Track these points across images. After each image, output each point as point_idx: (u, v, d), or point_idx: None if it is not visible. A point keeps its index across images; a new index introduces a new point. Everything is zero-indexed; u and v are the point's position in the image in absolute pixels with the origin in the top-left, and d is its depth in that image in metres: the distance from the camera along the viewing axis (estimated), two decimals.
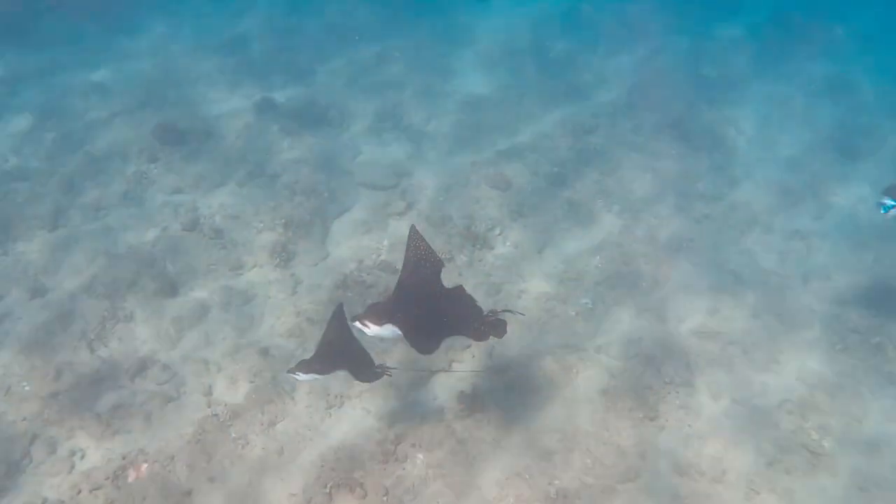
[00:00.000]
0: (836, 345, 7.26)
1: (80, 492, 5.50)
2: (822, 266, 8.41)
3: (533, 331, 7.14)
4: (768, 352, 7.11)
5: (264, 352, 6.76)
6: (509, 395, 6.37)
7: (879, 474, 5.98)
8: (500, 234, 8.48)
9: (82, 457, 5.85)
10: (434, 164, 9.76)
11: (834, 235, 8.93)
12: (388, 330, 5.03)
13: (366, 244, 8.14)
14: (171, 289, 7.52)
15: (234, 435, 5.98)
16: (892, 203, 6.57)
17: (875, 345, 7.22)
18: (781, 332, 7.39)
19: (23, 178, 8.92)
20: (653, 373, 6.72)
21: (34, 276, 7.56)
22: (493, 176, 9.36)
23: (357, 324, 5.07)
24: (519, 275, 7.93)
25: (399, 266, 5.56)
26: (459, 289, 5.39)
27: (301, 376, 5.11)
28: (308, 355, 5.34)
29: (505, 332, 5.16)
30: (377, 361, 5.32)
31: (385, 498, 5.57)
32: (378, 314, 5.05)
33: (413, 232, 5.39)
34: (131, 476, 5.59)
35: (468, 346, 6.76)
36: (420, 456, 5.83)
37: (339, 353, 5.10)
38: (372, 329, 5.05)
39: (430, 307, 5.15)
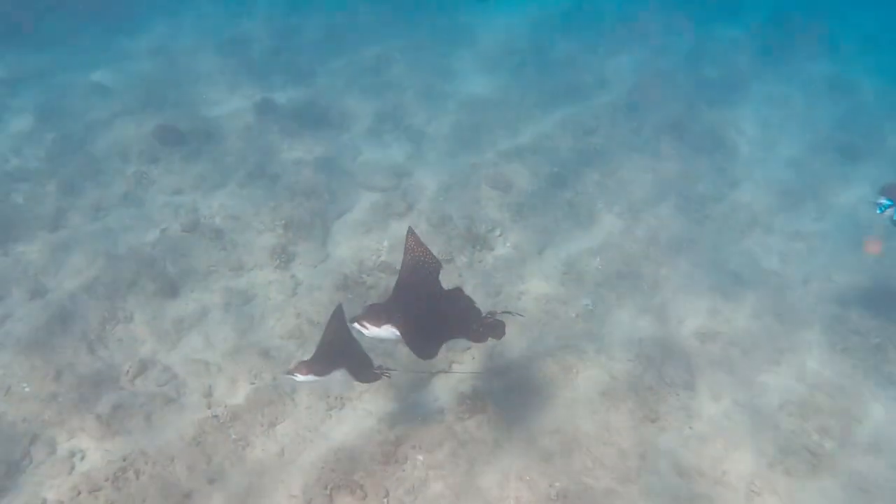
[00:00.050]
0: (836, 345, 7.27)
1: (79, 493, 5.48)
2: (823, 267, 8.42)
3: (533, 332, 7.14)
4: (769, 353, 7.12)
5: (264, 353, 6.76)
6: (510, 396, 6.37)
7: (880, 475, 5.98)
8: (500, 235, 8.48)
9: (82, 458, 5.84)
10: (434, 164, 9.76)
11: (834, 236, 8.94)
12: (387, 331, 5.02)
13: (366, 245, 8.14)
14: (171, 290, 7.51)
15: (234, 436, 5.97)
16: (889, 202, 6.58)
17: (875, 345, 7.23)
18: (782, 332, 7.39)
19: (23, 179, 8.91)
20: (653, 374, 6.72)
21: (34, 276, 7.55)
22: (494, 177, 9.36)
23: (356, 325, 5.06)
24: (519, 276, 7.93)
25: (399, 267, 5.55)
26: (458, 290, 5.39)
27: (299, 377, 5.10)
28: (308, 356, 5.33)
29: (504, 333, 5.15)
30: (378, 363, 5.32)
31: (385, 499, 5.56)
32: (377, 315, 5.04)
33: (410, 234, 5.39)
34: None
35: (468, 348, 6.75)
36: (420, 457, 5.83)
37: (338, 353, 5.09)
38: (371, 330, 5.04)
39: (429, 308, 5.13)
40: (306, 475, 5.72)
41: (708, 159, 10.54)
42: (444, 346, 4.99)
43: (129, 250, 7.89)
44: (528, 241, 8.43)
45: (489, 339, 5.12)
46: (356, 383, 5.51)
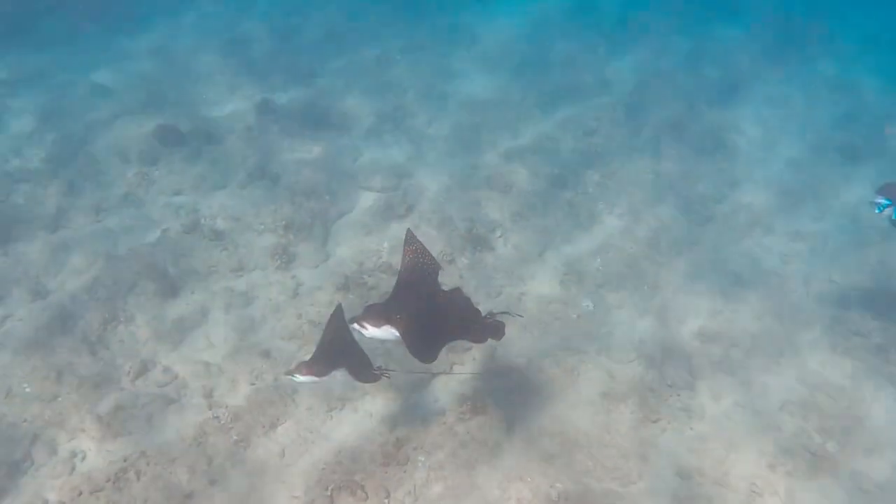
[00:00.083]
0: (837, 346, 7.26)
1: (80, 493, 5.47)
2: (824, 267, 8.42)
3: (534, 333, 7.14)
4: (770, 354, 7.12)
5: (265, 354, 6.75)
6: (510, 397, 6.36)
7: (881, 476, 5.97)
8: (501, 236, 8.48)
9: (83, 458, 5.84)
10: (435, 165, 9.76)
11: (835, 236, 8.94)
12: (387, 332, 5.03)
13: (367, 246, 8.13)
14: (171, 290, 7.51)
15: (235, 437, 5.97)
16: (887, 202, 6.57)
17: (877, 346, 7.22)
18: (783, 333, 7.39)
19: (24, 180, 8.90)
20: (654, 375, 6.72)
21: (35, 277, 7.54)
22: (494, 178, 9.36)
23: (355, 325, 5.06)
24: (520, 277, 7.93)
25: (399, 268, 5.56)
26: (457, 290, 5.39)
27: (299, 378, 5.10)
28: (309, 357, 5.33)
29: (503, 334, 5.16)
30: (379, 364, 5.33)
31: (386, 500, 5.56)
32: (376, 316, 5.05)
33: (409, 235, 5.41)
34: None
35: (469, 349, 6.75)
36: (421, 458, 5.82)
37: (338, 354, 5.09)
38: (370, 331, 5.05)
39: (429, 309, 5.14)
40: (307, 476, 5.72)
41: (708, 160, 10.54)
42: (444, 348, 5.00)
43: (130, 251, 7.88)
44: (529, 241, 8.43)
45: (489, 339, 5.14)
46: (356, 384, 5.52)
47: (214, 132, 10.05)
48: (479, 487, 5.65)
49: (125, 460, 5.72)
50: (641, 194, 9.45)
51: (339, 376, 5.04)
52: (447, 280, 7.42)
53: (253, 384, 6.48)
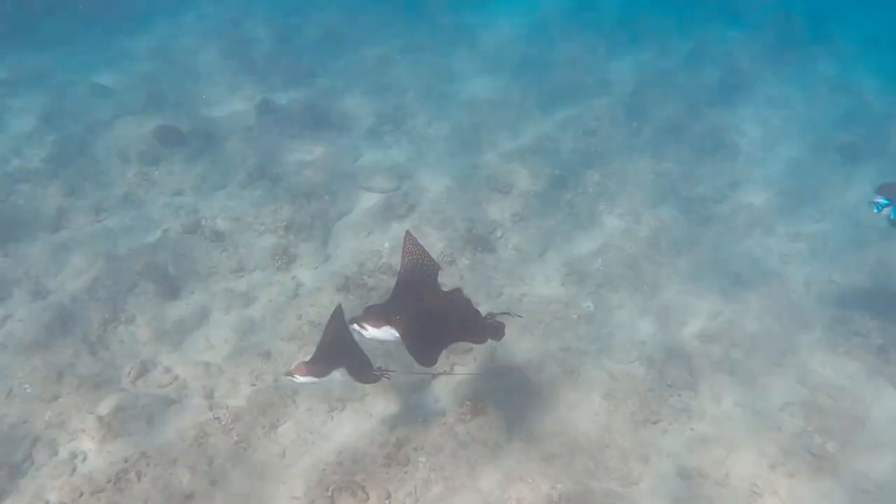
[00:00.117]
0: (838, 347, 7.26)
1: (81, 494, 5.47)
2: (824, 267, 8.41)
3: (535, 334, 7.14)
4: (770, 354, 7.11)
5: (266, 355, 6.75)
6: (511, 398, 6.36)
7: (882, 476, 5.97)
8: (501, 237, 8.49)
9: (84, 459, 5.83)
10: (435, 166, 9.75)
11: (835, 237, 8.94)
12: (386, 332, 5.04)
13: (367, 247, 8.13)
14: (172, 291, 7.51)
15: (235, 438, 5.96)
16: (886, 202, 6.57)
17: (877, 347, 7.22)
18: (783, 334, 7.39)
19: (24, 180, 8.90)
20: (655, 375, 6.71)
21: (35, 277, 7.54)
22: (495, 178, 9.36)
23: (355, 326, 5.07)
24: (521, 278, 7.93)
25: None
26: (457, 291, 5.41)
27: (299, 378, 5.10)
28: (308, 358, 5.34)
29: (503, 334, 5.17)
30: (379, 364, 5.33)
31: (387, 501, 5.55)
32: (376, 316, 5.07)
33: (408, 237, 5.42)
34: None
35: (470, 350, 6.75)
36: (422, 459, 5.82)
37: (337, 354, 5.09)
38: (370, 331, 5.06)
39: (428, 310, 5.15)
40: (308, 477, 5.71)
41: (709, 160, 10.55)
42: (444, 349, 5.01)
43: (130, 251, 7.88)
44: (530, 242, 8.43)
45: (489, 340, 5.14)
46: (357, 384, 5.52)
47: (215, 132, 10.05)
48: (479, 488, 5.65)
49: (126, 461, 5.71)
50: (642, 194, 9.45)
51: (339, 377, 5.04)
52: (448, 281, 7.42)
53: (253, 385, 6.48)
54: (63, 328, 6.88)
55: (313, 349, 5.34)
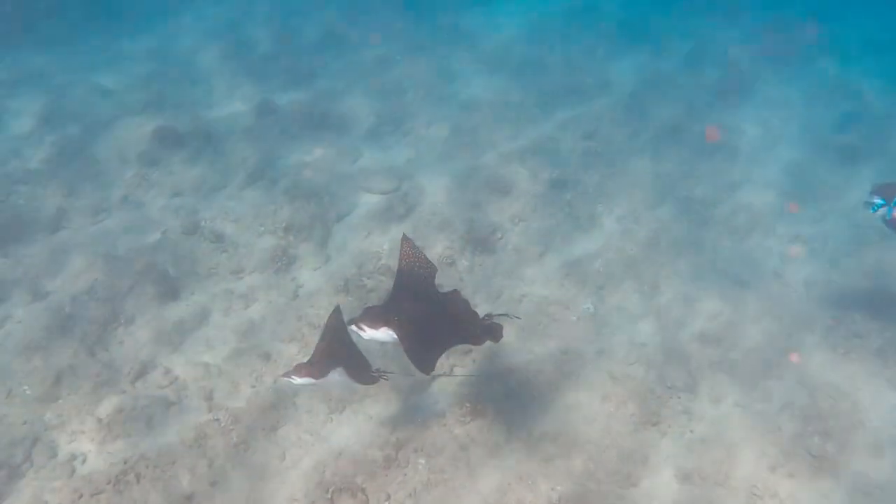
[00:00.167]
0: (837, 349, 7.26)
1: (81, 496, 5.46)
2: (824, 270, 8.41)
3: (534, 335, 7.14)
4: (770, 356, 7.11)
5: (265, 356, 6.75)
6: (511, 399, 6.36)
7: (883, 478, 5.97)
8: (501, 238, 8.49)
9: (83, 461, 5.82)
10: (435, 167, 9.75)
11: (835, 238, 8.94)
12: (385, 334, 5.06)
13: (367, 248, 8.13)
14: (171, 293, 7.50)
15: (235, 440, 5.95)
16: (882, 202, 6.58)
17: (877, 348, 7.22)
18: (783, 335, 7.39)
19: (23, 181, 8.87)
20: (654, 377, 6.72)
21: (35, 278, 7.52)
22: (494, 180, 9.35)
23: (353, 327, 5.09)
24: (520, 279, 7.93)
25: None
26: (455, 293, 5.43)
27: (297, 380, 5.10)
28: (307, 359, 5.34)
29: (501, 335, 5.20)
30: (380, 366, 5.34)
31: (387, 503, 5.56)
32: (374, 318, 5.09)
33: (405, 240, 5.44)
34: None
35: (469, 351, 6.74)
36: (422, 461, 5.82)
37: (335, 355, 5.09)
38: (368, 332, 5.08)
39: (426, 311, 5.17)
40: (308, 479, 5.71)
41: (708, 161, 10.55)
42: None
43: (130, 253, 7.86)
44: (529, 243, 8.43)
45: (487, 341, 5.16)
46: (356, 386, 5.52)
47: (214, 133, 10.04)
48: (479, 490, 5.66)
49: (125, 462, 5.70)
50: (641, 195, 9.46)
51: (338, 378, 5.03)
52: (448, 282, 7.42)
53: (253, 386, 6.47)
54: (62, 329, 6.87)
55: (312, 351, 5.34)
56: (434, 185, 9.23)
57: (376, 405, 6.32)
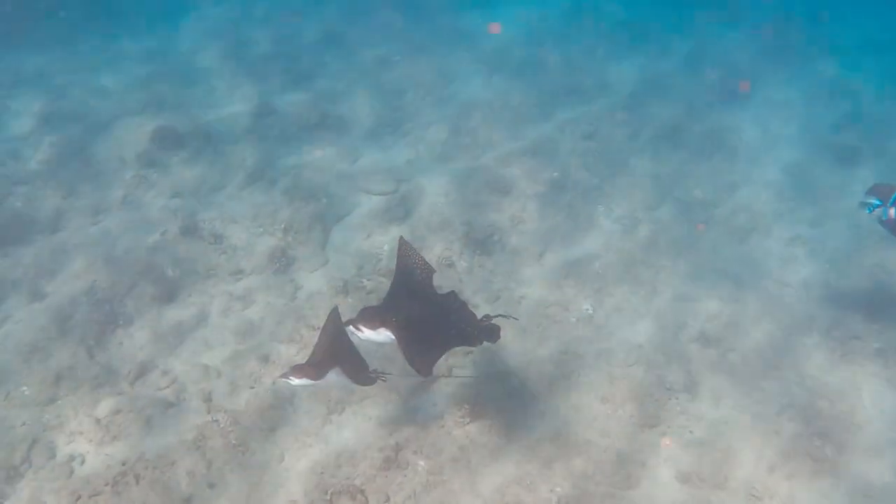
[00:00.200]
0: (836, 350, 7.26)
1: (79, 497, 5.46)
2: (822, 271, 8.41)
3: (533, 337, 7.14)
4: (768, 358, 7.11)
5: (264, 358, 6.74)
6: (510, 401, 6.36)
7: (881, 479, 5.97)
8: (500, 240, 8.48)
9: (82, 462, 5.81)
10: (434, 168, 9.74)
11: (834, 240, 8.93)
12: (382, 335, 5.07)
13: (366, 249, 8.12)
14: (170, 294, 7.50)
15: (234, 441, 5.94)
16: (877, 202, 6.59)
17: (876, 350, 7.22)
18: (782, 337, 7.39)
19: (22, 182, 8.86)
20: (653, 379, 6.71)
21: (33, 279, 7.52)
22: (494, 180, 9.35)
23: (350, 328, 5.10)
24: (519, 280, 7.93)
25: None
26: (452, 294, 5.44)
27: (294, 381, 5.10)
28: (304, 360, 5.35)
29: (499, 336, 5.22)
30: (380, 368, 5.35)
31: None
32: (371, 319, 5.11)
33: (402, 243, 5.46)
34: None
35: (468, 353, 6.74)
36: (421, 463, 5.82)
37: (333, 356, 5.09)
38: (365, 333, 5.10)
39: (423, 312, 5.19)
40: (306, 480, 5.71)
41: (707, 163, 10.56)
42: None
43: (128, 254, 7.85)
44: (528, 244, 8.43)
45: (485, 342, 5.17)
46: (354, 387, 5.53)
47: (213, 134, 10.03)
48: (478, 492, 5.65)
49: (124, 464, 5.70)
50: (640, 197, 9.46)
51: (335, 379, 5.03)
52: (446, 283, 7.41)
53: (252, 388, 6.46)
54: (61, 330, 6.87)
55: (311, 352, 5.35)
56: (433, 186, 9.22)
57: (375, 406, 6.32)
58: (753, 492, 5.81)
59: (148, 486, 5.54)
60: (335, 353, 5.09)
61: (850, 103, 12.37)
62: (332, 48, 13.01)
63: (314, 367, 5.07)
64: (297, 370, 5.13)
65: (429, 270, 5.44)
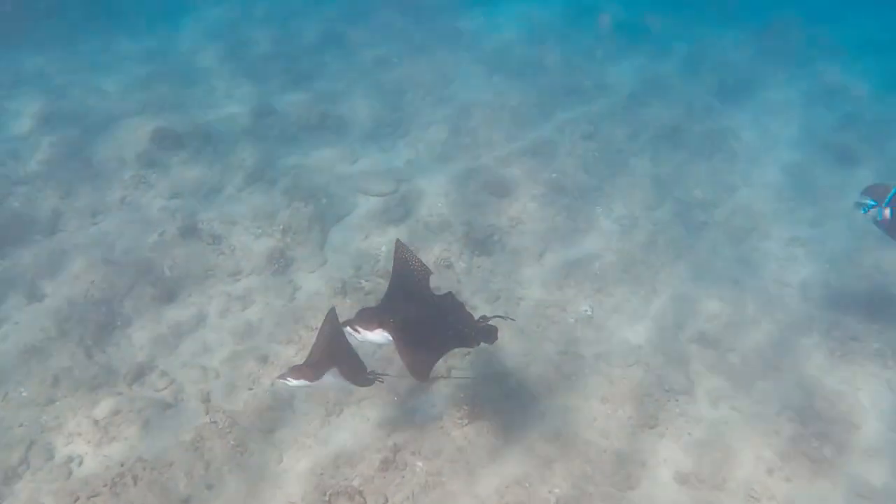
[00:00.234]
0: (835, 351, 7.26)
1: (77, 499, 5.45)
2: (821, 272, 8.40)
3: (532, 338, 7.13)
4: (767, 359, 7.11)
5: (263, 359, 6.73)
6: (508, 402, 6.35)
7: (880, 481, 5.97)
8: (499, 241, 8.47)
9: (80, 463, 5.81)
10: (433, 169, 9.74)
11: (832, 241, 8.93)
12: (379, 335, 5.07)
13: (364, 250, 8.11)
14: (168, 295, 7.49)
15: (232, 442, 5.94)
16: (872, 203, 6.60)
17: (875, 351, 7.21)
18: (780, 338, 7.38)
19: (21, 182, 8.85)
20: (652, 380, 6.71)
21: (32, 280, 7.51)
22: (493, 181, 9.34)
23: (347, 329, 5.10)
24: (518, 281, 7.92)
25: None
26: (449, 295, 5.45)
27: (292, 382, 5.10)
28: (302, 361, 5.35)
29: (496, 337, 5.22)
30: (378, 369, 5.34)
31: None
32: (368, 319, 5.11)
33: (398, 246, 5.46)
34: None
35: (467, 354, 6.74)
36: (419, 464, 5.81)
37: (330, 357, 5.09)
38: (363, 334, 5.10)
39: (420, 313, 5.19)
40: (305, 482, 5.70)
41: (706, 164, 10.55)
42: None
43: (127, 255, 7.85)
44: (527, 246, 8.42)
45: (482, 343, 5.17)
46: (352, 388, 5.53)
47: (212, 135, 10.01)
48: (477, 493, 5.64)
49: (122, 465, 5.70)
50: (639, 198, 9.46)
51: (332, 379, 5.03)
52: (445, 284, 7.41)
53: (250, 389, 6.46)
54: (59, 331, 6.86)
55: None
56: (433, 187, 9.21)
57: (374, 408, 6.31)
58: (752, 492, 5.81)
59: (146, 487, 5.54)
60: (332, 353, 5.08)
61: (850, 104, 12.38)
62: (332, 48, 13.01)
63: (311, 368, 5.06)
64: (295, 371, 5.13)
65: (426, 272, 5.44)
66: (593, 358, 6.95)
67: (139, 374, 6.58)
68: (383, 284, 7.40)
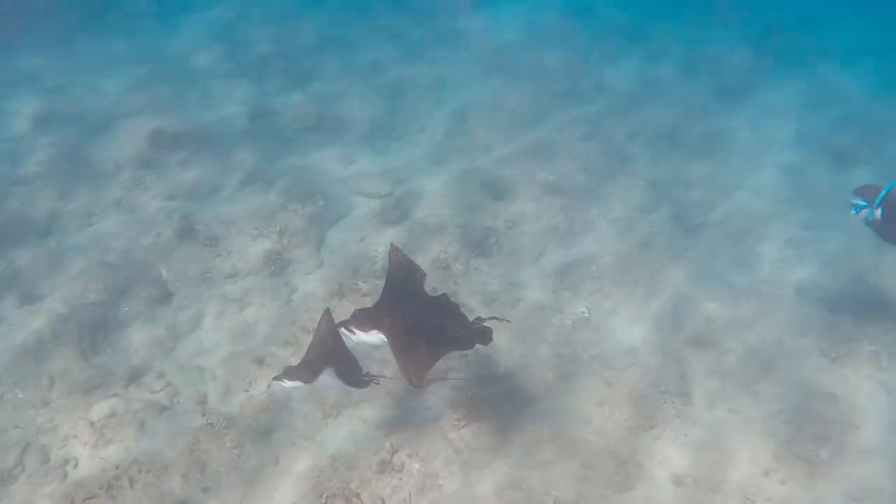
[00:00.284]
0: (831, 353, 7.24)
1: (73, 501, 5.44)
2: (817, 274, 8.38)
3: (529, 340, 7.12)
4: (764, 361, 7.09)
5: (259, 360, 6.72)
6: (505, 404, 6.35)
7: (876, 484, 5.96)
8: (495, 242, 8.47)
9: (75, 465, 5.80)
10: (429, 171, 9.73)
11: (830, 243, 8.92)
12: (374, 336, 5.08)
13: (361, 252, 8.10)
14: (164, 296, 7.49)
15: (228, 444, 5.93)
16: (864, 203, 6.61)
17: (870, 353, 7.19)
18: (776, 341, 7.37)
19: (17, 183, 8.84)
20: (649, 382, 6.70)
21: (28, 281, 7.50)
22: (490, 183, 9.34)
23: (343, 330, 5.11)
24: (515, 283, 7.92)
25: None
26: (444, 297, 5.46)
27: (287, 383, 5.10)
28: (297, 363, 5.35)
29: (491, 339, 5.23)
30: (374, 371, 5.35)
31: None
32: (364, 320, 5.12)
33: (393, 249, 5.47)
34: None
35: (464, 356, 6.73)
36: (416, 466, 5.81)
37: (326, 358, 5.09)
38: (358, 335, 5.11)
39: (416, 314, 5.20)
40: (302, 484, 5.69)
41: (704, 164, 10.55)
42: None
43: (123, 256, 7.84)
44: (524, 248, 8.42)
45: (478, 345, 5.18)
46: (349, 390, 5.53)
47: (209, 136, 10.01)
48: (474, 495, 5.64)
49: (118, 467, 5.68)
50: (637, 199, 9.45)
51: (328, 380, 5.03)
52: (442, 286, 7.41)
53: (247, 391, 6.45)
54: (55, 333, 6.84)
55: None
56: (430, 188, 9.21)
57: (371, 409, 6.31)
58: (748, 495, 5.79)
59: (142, 489, 5.53)
60: (327, 354, 5.09)
61: (848, 105, 12.37)
62: (331, 49, 13.00)
63: (307, 369, 5.07)
64: (290, 372, 5.13)
65: (420, 274, 5.46)
66: (590, 359, 6.94)
67: (135, 375, 6.56)
68: (380, 286, 7.35)
